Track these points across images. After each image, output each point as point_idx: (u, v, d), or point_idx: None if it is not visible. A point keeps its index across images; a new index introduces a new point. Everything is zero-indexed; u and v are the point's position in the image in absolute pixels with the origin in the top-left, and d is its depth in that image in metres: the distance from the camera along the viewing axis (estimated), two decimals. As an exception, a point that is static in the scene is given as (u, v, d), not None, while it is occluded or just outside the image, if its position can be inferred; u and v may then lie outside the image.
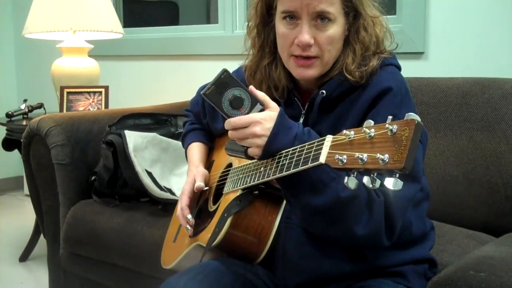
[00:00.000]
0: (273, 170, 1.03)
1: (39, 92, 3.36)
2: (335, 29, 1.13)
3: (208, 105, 1.43)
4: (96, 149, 2.05)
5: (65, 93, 2.69)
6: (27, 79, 3.85)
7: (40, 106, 2.88)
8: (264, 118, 1.04)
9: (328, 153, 0.89)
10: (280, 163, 1.01)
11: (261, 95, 1.08)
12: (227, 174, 1.28)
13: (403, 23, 2.15)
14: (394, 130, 0.78)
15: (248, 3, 2.78)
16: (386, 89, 1.12)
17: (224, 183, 1.28)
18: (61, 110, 2.68)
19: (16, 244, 2.85)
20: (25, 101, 2.86)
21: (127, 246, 1.81)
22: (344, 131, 0.87)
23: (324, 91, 1.16)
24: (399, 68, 1.22)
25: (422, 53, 2.13)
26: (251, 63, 1.27)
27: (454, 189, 1.68)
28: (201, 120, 1.50)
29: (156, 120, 2.15)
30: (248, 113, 1.07)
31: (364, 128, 0.83)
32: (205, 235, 1.22)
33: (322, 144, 0.91)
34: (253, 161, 1.12)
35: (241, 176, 1.18)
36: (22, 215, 3.39)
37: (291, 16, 1.14)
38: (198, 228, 1.30)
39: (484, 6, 1.99)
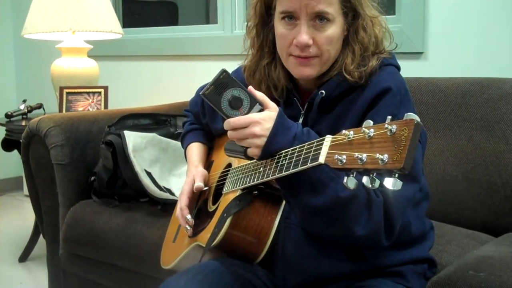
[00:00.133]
0: (272, 170, 1.03)
1: (39, 93, 3.36)
2: (334, 30, 1.13)
3: (207, 106, 1.43)
4: (95, 149, 2.05)
5: (64, 93, 2.68)
6: (26, 79, 3.84)
7: (40, 106, 2.88)
8: (263, 118, 1.04)
9: (328, 153, 0.89)
10: (280, 163, 1.01)
11: (260, 95, 1.08)
12: (227, 174, 1.28)
13: (402, 23, 2.15)
14: (394, 130, 0.78)
15: (247, 3, 2.78)
16: (385, 89, 1.12)
17: (224, 183, 1.28)
18: (60, 110, 2.68)
19: (16, 244, 2.85)
20: (24, 101, 2.85)
21: (127, 247, 1.80)
22: (344, 131, 0.87)
23: (323, 91, 1.16)
24: (398, 68, 1.21)
25: (421, 53, 2.13)
26: (250, 63, 1.27)
27: (453, 189, 1.68)
28: (201, 120, 1.50)
29: (155, 121, 2.14)
30: (247, 113, 1.06)
31: (364, 128, 0.83)
32: (205, 235, 1.22)
33: (322, 144, 0.91)
34: (252, 161, 1.12)
35: (240, 176, 1.17)
36: (22, 215, 3.38)
37: (290, 17, 1.13)
38: (197, 228, 1.30)
39: (484, 6, 1.99)
